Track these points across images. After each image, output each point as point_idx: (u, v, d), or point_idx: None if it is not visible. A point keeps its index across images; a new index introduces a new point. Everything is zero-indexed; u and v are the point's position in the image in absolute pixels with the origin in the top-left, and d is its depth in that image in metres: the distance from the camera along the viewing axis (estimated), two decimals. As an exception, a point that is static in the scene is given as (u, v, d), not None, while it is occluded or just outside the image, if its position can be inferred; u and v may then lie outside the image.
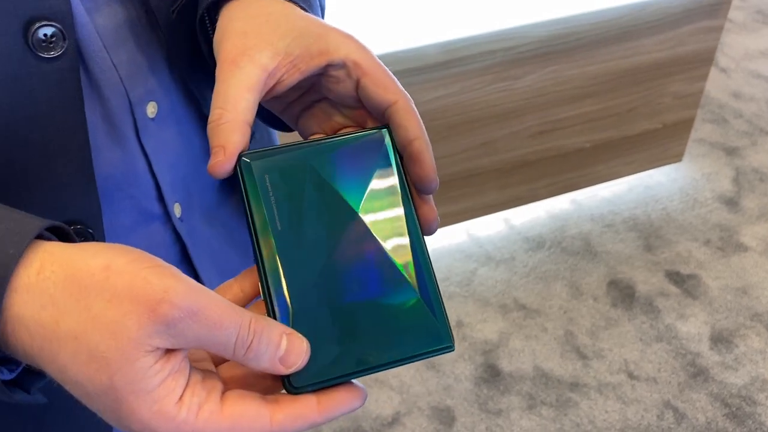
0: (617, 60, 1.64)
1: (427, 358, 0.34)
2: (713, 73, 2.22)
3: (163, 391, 0.29)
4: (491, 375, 1.51)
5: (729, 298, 1.66)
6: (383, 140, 0.37)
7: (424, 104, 1.52)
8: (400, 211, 0.36)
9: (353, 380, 0.34)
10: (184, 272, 0.31)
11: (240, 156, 0.35)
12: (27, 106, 0.39)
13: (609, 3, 1.55)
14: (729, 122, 2.15)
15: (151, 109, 0.47)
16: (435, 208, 0.38)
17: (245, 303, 0.36)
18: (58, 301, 0.29)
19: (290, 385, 0.33)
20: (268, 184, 0.35)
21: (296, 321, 0.33)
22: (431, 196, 0.38)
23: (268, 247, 0.34)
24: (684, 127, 1.87)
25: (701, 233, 1.82)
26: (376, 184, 0.36)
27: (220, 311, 0.30)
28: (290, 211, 0.35)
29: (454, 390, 1.48)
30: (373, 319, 0.34)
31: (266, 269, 0.34)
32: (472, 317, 1.63)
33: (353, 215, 0.35)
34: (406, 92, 0.38)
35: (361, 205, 0.36)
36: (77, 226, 0.42)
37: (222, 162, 0.35)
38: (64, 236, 0.33)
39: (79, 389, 0.30)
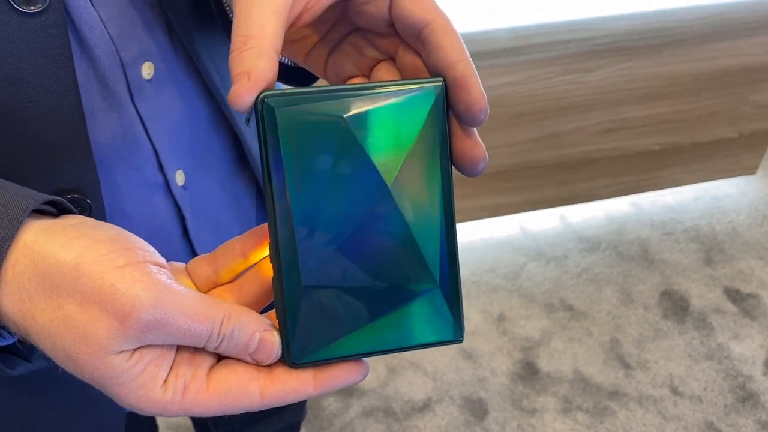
0: (699, 62, 1.56)
1: (435, 347, 0.33)
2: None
3: (145, 377, 0.29)
4: (529, 373, 1.47)
5: (790, 322, 1.58)
6: (433, 99, 0.32)
7: (488, 90, 1.47)
8: (436, 189, 0.32)
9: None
10: (183, 247, 0.29)
11: (264, 97, 0.30)
12: (10, 66, 0.36)
13: (695, 1, 1.47)
14: (812, 138, 2.04)
15: (147, 70, 0.44)
16: (482, 144, 0.33)
17: (245, 268, 0.34)
18: (33, 296, 0.29)
19: (289, 359, 0.32)
20: (292, 137, 0.30)
21: (305, 295, 0.31)
22: (476, 129, 0.33)
23: (283, 210, 0.31)
24: (762, 138, 1.77)
25: (767, 252, 1.73)
26: (415, 154, 0.32)
27: (190, 320, 0.29)
28: (314, 173, 0.31)
29: (488, 383, 1.45)
30: (386, 302, 0.32)
31: (279, 234, 0.31)
32: (515, 312, 1.59)
33: (383, 189, 0.32)
34: (444, 12, 0.33)
35: (395, 178, 0.31)
36: (74, 195, 0.40)
37: (246, 88, 0.29)
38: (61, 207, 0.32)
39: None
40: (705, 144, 1.72)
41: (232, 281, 0.34)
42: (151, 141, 0.45)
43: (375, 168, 0.31)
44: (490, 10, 1.41)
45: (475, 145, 0.32)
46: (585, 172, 1.67)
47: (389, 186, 0.32)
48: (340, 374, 0.32)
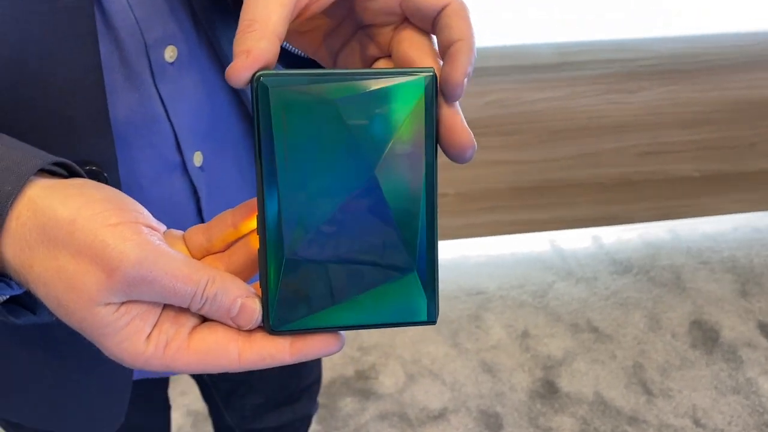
0: (744, 89, 1.53)
1: (410, 326, 0.35)
2: None
3: (130, 330, 0.31)
4: (548, 391, 1.46)
5: (824, 363, 1.53)
6: (423, 87, 0.32)
7: (529, 104, 1.47)
8: (420, 175, 0.33)
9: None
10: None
11: (260, 76, 0.31)
12: (38, 43, 0.38)
13: (745, 27, 1.45)
14: None
15: (170, 53, 0.45)
16: (470, 132, 0.33)
17: (235, 239, 0.35)
18: (33, 246, 0.31)
19: (268, 325, 0.33)
20: (284, 116, 0.32)
21: (287, 267, 0.33)
22: (465, 121, 0.33)
23: (271, 185, 0.32)
24: (809, 173, 1.73)
25: (807, 289, 1.68)
26: (402, 140, 0.33)
27: (175, 280, 0.30)
28: (303, 153, 0.32)
29: (506, 398, 1.44)
30: (365, 280, 0.33)
31: (266, 208, 0.32)
32: (539, 330, 1.58)
33: (369, 173, 0.33)
34: None
35: (380, 163, 0.33)
36: (91, 167, 0.42)
37: (244, 65, 0.31)
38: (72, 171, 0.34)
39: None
40: (748, 174, 1.69)
41: (223, 250, 0.36)
42: (170, 121, 0.47)
43: (361, 151, 0.32)
44: (536, 25, 1.41)
45: (463, 131, 0.33)
46: (622, 193, 1.66)
47: (374, 169, 0.33)
48: (316, 344, 0.33)
